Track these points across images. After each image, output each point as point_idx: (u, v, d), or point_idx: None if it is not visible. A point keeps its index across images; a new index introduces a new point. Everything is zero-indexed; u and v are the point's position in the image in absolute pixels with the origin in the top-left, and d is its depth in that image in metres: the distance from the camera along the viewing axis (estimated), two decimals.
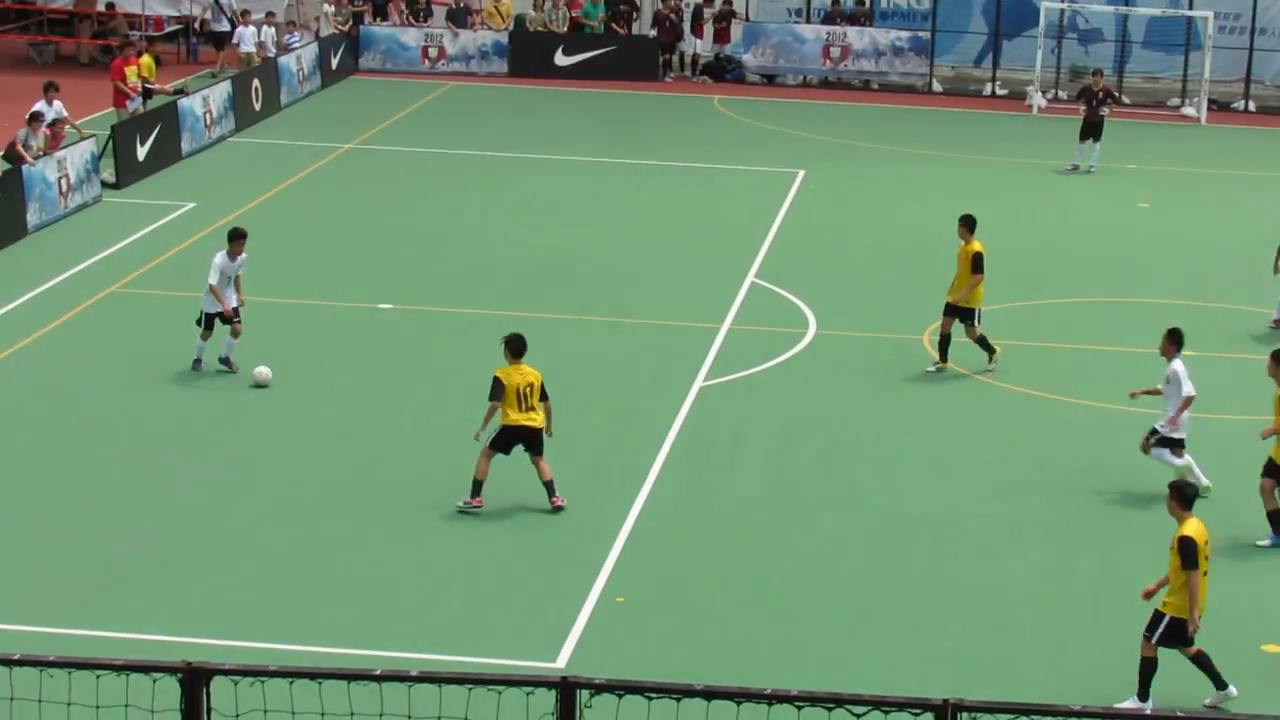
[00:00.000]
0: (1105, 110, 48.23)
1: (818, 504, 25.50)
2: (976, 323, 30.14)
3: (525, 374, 24.09)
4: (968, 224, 30.41)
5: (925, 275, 34.86)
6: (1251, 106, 58.91)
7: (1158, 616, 19.48)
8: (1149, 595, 19.86)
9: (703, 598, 22.41)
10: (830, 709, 11.97)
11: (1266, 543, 23.93)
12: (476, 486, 24.11)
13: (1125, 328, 33.70)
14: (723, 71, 60.70)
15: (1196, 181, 48.31)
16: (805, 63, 60.55)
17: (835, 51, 60.01)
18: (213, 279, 29.35)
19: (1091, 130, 47.74)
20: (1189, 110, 57.77)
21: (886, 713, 11.84)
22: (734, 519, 24.83)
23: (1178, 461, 25.23)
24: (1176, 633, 19.44)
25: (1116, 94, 55.03)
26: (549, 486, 24.36)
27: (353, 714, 13.19)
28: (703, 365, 30.70)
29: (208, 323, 29.59)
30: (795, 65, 60.73)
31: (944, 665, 20.72)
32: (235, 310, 29.68)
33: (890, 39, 60.24)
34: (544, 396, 24.29)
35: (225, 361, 29.81)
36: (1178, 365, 25.39)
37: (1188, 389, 25.05)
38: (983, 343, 30.18)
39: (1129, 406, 26.50)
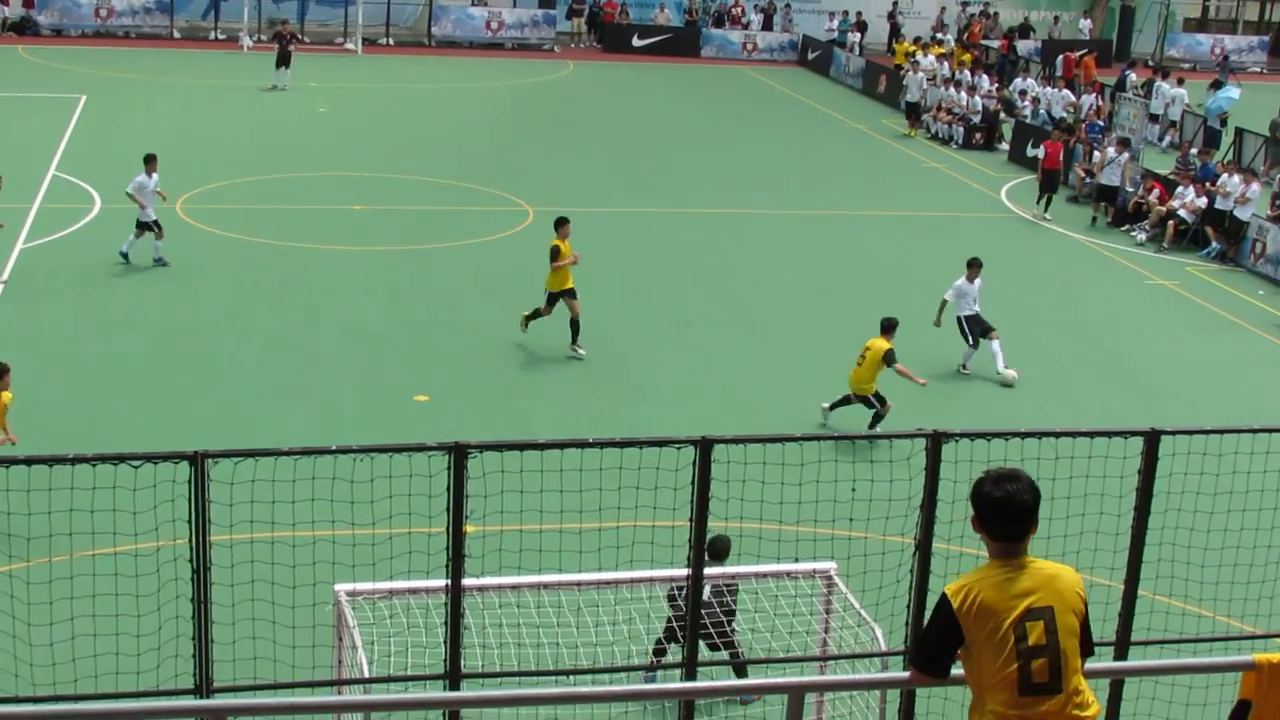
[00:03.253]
0: (292, 47, 51.29)
1: (115, 324, 26.86)
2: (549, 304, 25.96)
3: None
4: (559, 224, 26.02)
5: (174, 166, 37.21)
6: (392, 42, 62.66)
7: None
8: None
9: None
10: None
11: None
12: None
13: (320, 192, 36.70)
14: (24, 28, 59.07)
15: (359, 93, 50.75)
16: (82, 20, 59.88)
17: (104, 11, 59.94)
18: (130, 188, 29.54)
19: (284, 60, 50.11)
20: (350, 45, 60.36)
21: None
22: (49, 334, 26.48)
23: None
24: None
25: (300, 35, 58.06)
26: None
27: None
28: (21, 233, 31.24)
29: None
30: (73, 21, 59.82)
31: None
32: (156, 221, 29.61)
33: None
34: None
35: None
36: None
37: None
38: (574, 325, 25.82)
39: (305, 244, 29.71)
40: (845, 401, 23.32)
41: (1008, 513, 6.95)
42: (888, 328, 23.30)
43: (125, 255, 29.68)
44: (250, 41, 58.51)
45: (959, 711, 7.01)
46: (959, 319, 26.28)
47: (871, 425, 22.91)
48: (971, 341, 26.20)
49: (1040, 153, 39.50)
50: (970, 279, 26.36)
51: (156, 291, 28.38)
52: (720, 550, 14.94)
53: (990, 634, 6.80)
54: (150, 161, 29.90)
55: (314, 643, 12.64)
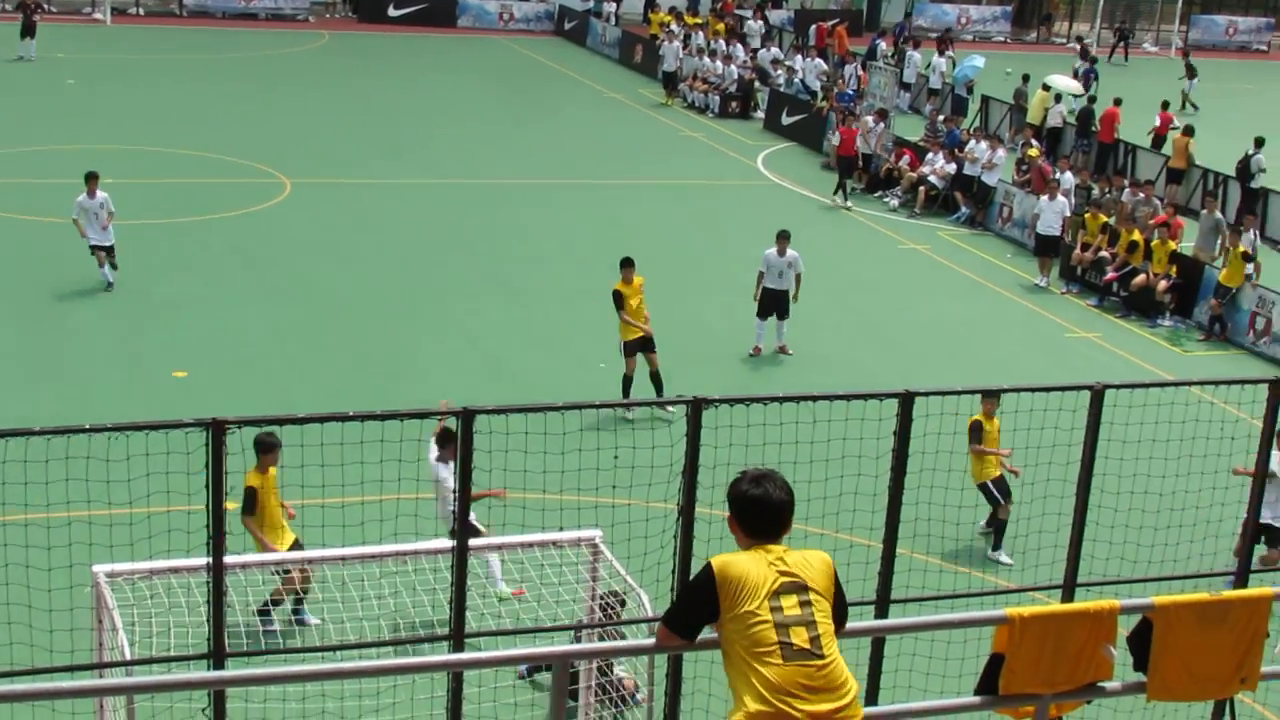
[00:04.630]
0: (37, 16, 49.65)
1: None
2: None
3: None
4: (622, 266, 23.51)
5: None
6: (142, 12, 60.77)
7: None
8: None
9: None
10: None
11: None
12: None
13: (70, 166, 35.65)
14: None
15: (108, 64, 49.40)
16: None
17: None
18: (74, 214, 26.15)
19: (29, 30, 48.29)
20: (99, 15, 58.86)
21: None
22: None
23: None
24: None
25: (47, 4, 56.23)
26: None
27: None
28: None
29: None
30: None
31: None
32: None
33: None
34: None
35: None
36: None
37: None
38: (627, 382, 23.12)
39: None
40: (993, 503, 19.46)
41: (765, 510, 7.08)
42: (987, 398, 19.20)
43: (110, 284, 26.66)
44: None
45: (725, 677, 7.07)
46: (765, 289, 25.74)
47: (989, 525, 19.46)
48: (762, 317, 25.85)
49: (835, 139, 38.53)
50: (779, 252, 25.89)
51: None
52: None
53: (748, 607, 6.90)
54: (91, 180, 26.49)
55: (72, 626, 12.28)
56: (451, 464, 16.09)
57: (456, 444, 11.18)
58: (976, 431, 18.75)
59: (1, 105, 41.81)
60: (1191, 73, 55.32)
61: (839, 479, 13.34)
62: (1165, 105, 45.61)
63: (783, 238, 25.92)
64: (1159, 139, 43.57)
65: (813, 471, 14.12)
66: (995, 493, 19.03)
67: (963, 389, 13.06)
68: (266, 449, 15.29)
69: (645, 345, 23.12)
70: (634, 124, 45.88)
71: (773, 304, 25.85)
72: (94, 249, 26.31)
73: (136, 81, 46.83)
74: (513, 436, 12.72)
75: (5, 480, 11.94)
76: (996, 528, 19.06)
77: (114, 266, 26.50)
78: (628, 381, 23.04)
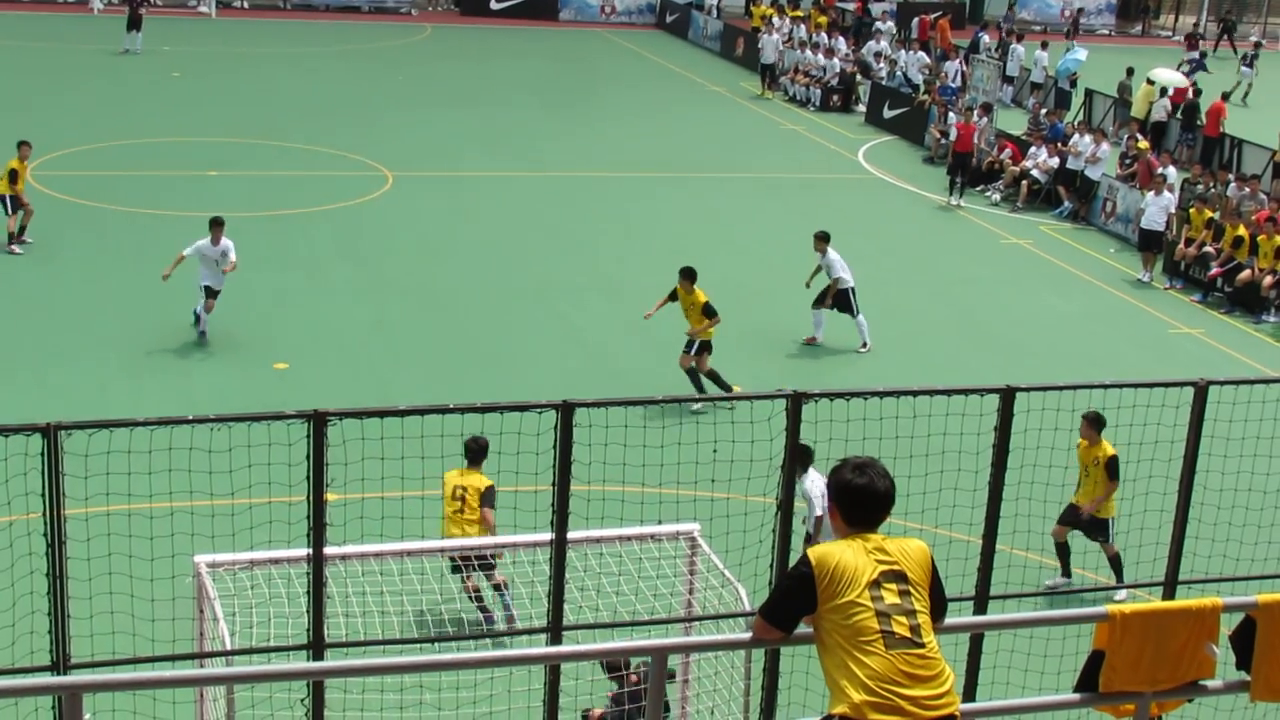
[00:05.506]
0: (143, 10, 50.25)
1: None
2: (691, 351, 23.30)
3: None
4: (689, 275, 23.81)
5: (26, 133, 36.53)
6: (246, 5, 61.29)
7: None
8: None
9: None
10: None
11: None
12: None
13: (174, 158, 35.96)
14: None
15: (213, 57, 49.77)
16: None
17: None
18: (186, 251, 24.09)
19: (135, 23, 48.89)
20: (204, 9, 59.14)
21: None
22: None
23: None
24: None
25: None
26: None
27: None
28: None
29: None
30: None
31: None
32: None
33: None
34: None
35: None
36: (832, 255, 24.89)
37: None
38: (712, 376, 23.11)
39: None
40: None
41: (868, 499, 7.09)
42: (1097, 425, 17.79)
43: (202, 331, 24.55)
44: (101, 4, 57.34)
45: (821, 671, 7.04)
46: (844, 291, 25.50)
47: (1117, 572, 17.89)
48: (854, 312, 25.66)
49: (953, 135, 37.72)
50: (820, 250, 25.70)
51: (8, 261, 27.72)
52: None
53: (849, 597, 6.90)
54: (216, 226, 24.41)
55: (174, 615, 12.45)
56: None
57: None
58: (1115, 468, 17.38)
59: (110, 98, 42.37)
60: None
61: (939, 474, 13.24)
62: None
63: (821, 238, 25.77)
64: None
65: (912, 466, 14.01)
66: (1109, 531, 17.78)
67: (1064, 385, 12.95)
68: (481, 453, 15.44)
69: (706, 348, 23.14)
70: (734, 118, 45.79)
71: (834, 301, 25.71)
72: (206, 288, 24.28)
73: (240, 74, 47.32)
74: (612, 430, 12.76)
75: (110, 470, 12.10)
76: (1116, 566, 17.75)
77: (208, 311, 24.36)
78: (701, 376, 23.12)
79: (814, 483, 16.82)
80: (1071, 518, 17.64)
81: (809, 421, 11.53)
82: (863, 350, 25.64)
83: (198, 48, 51.53)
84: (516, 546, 12.66)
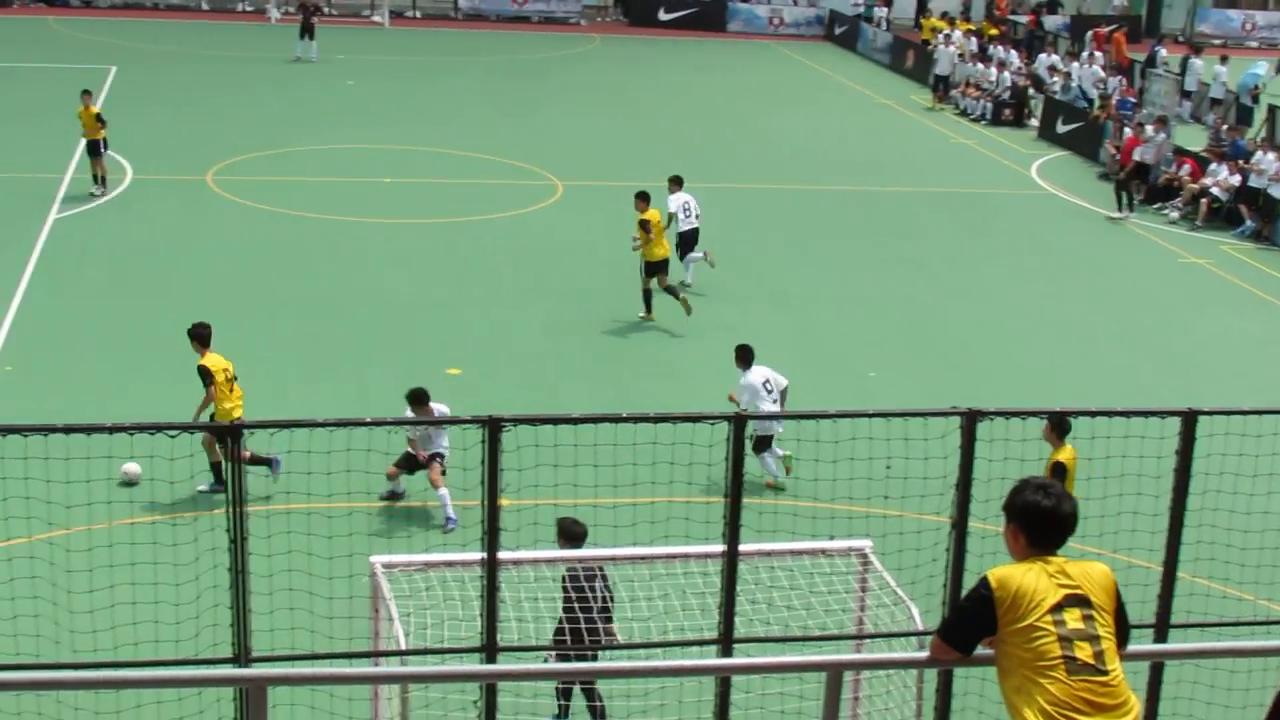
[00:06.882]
0: (315, 18, 51.29)
1: (146, 293, 26.77)
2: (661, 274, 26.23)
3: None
4: (643, 198, 26.53)
5: (203, 139, 37.54)
6: (419, 15, 62.55)
7: None
8: None
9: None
10: None
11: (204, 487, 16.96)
12: None
13: (348, 165, 36.73)
14: None
15: (386, 65, 50.75)
16: None
17: None
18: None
19: (307, 31, 50.08)
20: (377, 18, 60.61)
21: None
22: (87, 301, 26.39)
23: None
24: None
25: (327, 7, 58.12)
26: None
27: None
28: (54, 203, 31.46)
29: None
30: None
31: None
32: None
33: None
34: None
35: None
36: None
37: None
38: (670, 291, 26.15)
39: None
40: None
41: (1054, 521, 7.03)
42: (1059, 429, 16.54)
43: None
44: (277, 14, 58.52)
45: (997, 693, 6.99)
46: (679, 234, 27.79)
47: None
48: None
49: (1120, 145, 37.31)
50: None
51: (187, 262, 28.42)
52: (575, 533, 14.19)
53: (1030, 620, 6.84)
54: (417, 402, 18.45)
55: (350, 614, 12.68)
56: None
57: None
58: None
59: (286, 105, 43.25)
60: None
61: (1117, 497, 13.08)
62: None
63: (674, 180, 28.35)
64: None
65: (1090, 489, 13.88)
66: None
67: (1250, 409, 12.71)
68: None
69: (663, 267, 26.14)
70: (904, 130, 45.51)
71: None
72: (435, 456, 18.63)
73: (412, 83, 48.00)
74: (785, 443, 12.77)
75: (291, 470, 12.39)
76: None
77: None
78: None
79: (751, 376, 19.62)
80: None
81: (984, 439, 11.43)
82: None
83: (371, 56, 52.38)
84: (688, 557, 12.72)
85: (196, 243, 29.67)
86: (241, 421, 10.91)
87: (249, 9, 60.32)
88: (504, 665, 11.33)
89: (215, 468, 17.05)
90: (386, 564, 12.67)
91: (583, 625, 12.63)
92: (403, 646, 11.76)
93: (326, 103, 43.91)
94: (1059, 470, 16.45)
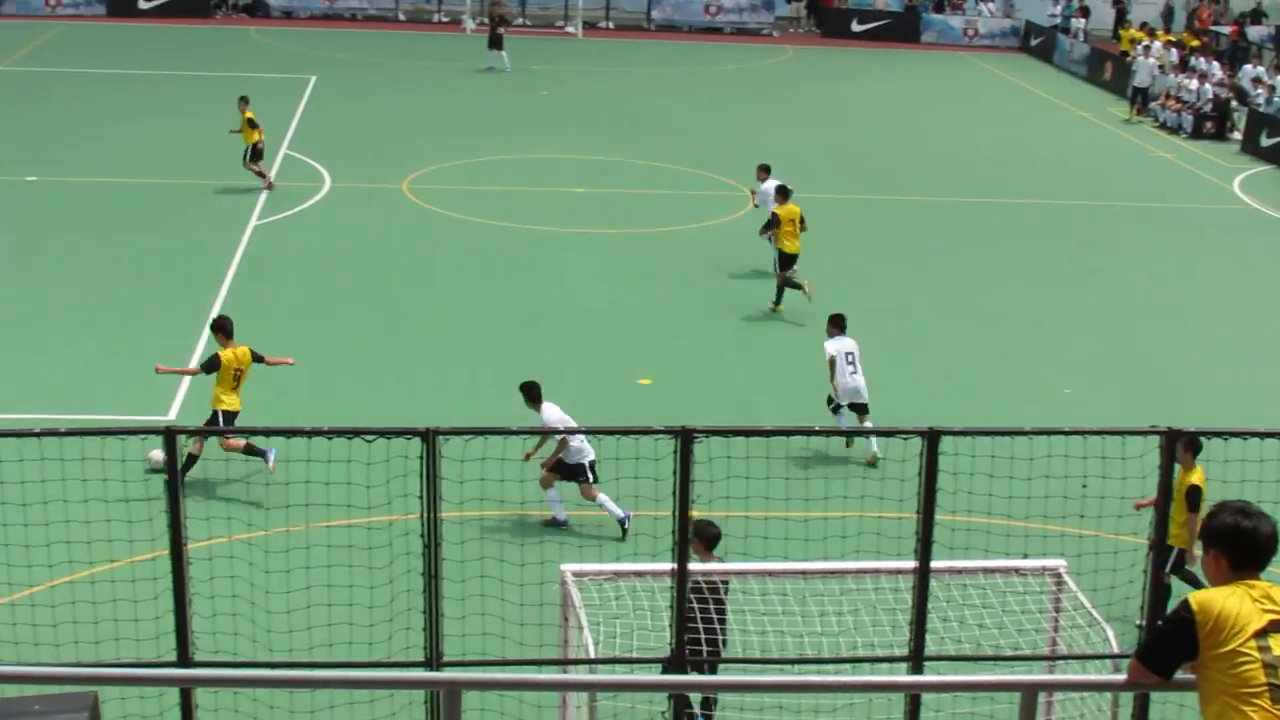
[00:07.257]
0: (502, 29, 51.88)
1: (344, 300, 27.21)
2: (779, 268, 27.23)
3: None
4: (783, 192, 27.61)
5: (399, 147, 38.17)
6: (612, 25, 63.08)
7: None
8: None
9: None
10: None
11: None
12: None
13: (542, 174, 37.16)
14: (255, 9, 60.87)
15: (580, 75, 51.19)
16: (310, 2, 61.22)
17: None
18: None
19: (495, 42, 50.82)
20: (570, 29, 61.13)
21: None
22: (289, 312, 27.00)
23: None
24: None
25: (521, 18, 58.78)
26: None
27: None
28: (255, 210, 32.18)
29: None
30: (303, 3, 61.40)
31: None
32: None
33: None
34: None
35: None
36: None
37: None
38: (788, 282, 27.12)
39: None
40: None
41: (1257, 543, 6.91)
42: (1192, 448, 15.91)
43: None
44: (473, 24, 59.21)
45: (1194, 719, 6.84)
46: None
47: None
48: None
49: None
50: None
51: (384, 269, 28.90)
52: (710, 535, 13.89)
53: (1233, 645, 6.70)
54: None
55: (541, 621, 12.79)
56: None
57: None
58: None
59: (480, 115, 43.73)
60: None
61: None
62: None
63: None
64: None
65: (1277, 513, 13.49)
66: None
67: None
68: None
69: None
70: (1101, 143, 44.74)
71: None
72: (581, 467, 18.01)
73: (605, 93, 48.30)
74: (979, 459, 12.63)
75: (484, 477, 12.52)
76: None
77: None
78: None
79: (833, 345, 20.93)
80: None
81: None
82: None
83: (564, 67, 52.80)
84: (879, 573, 12.63)
85: (393, 250, 30.14)
86: (438, 428, 11.03)
87: (445, 20, 61.14)
88: (692, 676, 11.35)
89: (190, 459, 17.16)
90: (577, 573, 12.76)
91: (719, 636, 12.58)
92: (591, 655, 11.84)
93: (520, 112, 44.35)
94: (1194, 494, 15.78)
